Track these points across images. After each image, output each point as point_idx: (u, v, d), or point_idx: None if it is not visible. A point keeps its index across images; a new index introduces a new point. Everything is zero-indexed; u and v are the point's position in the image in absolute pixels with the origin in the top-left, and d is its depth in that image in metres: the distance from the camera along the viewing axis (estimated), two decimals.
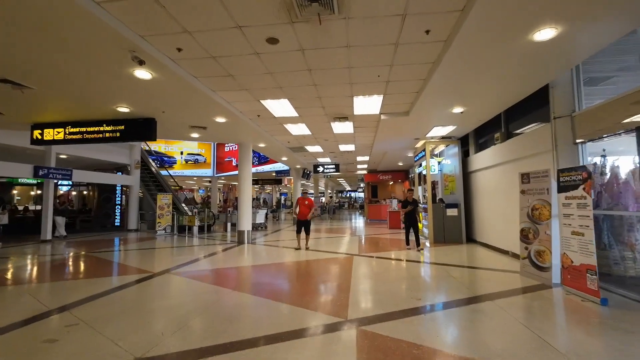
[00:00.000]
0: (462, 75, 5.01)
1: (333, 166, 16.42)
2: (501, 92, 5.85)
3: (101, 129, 7.47)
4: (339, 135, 9.98)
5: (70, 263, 7.46)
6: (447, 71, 4.82)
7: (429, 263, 6.89)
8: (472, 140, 9.68)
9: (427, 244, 9.70)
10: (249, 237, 10.42)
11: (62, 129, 7.58)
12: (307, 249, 8.88)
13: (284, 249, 9.23)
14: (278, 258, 7.78)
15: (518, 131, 7.01)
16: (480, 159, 8.92)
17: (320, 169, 16.53)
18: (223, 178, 25.01)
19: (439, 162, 11.66)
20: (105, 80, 5.19)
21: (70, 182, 19.10)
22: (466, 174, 9.94)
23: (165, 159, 23.36)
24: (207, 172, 24.46)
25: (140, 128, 7.37)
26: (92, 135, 7.51)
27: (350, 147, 12.35)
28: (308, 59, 4.76)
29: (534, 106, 6.24)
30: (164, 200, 13.64)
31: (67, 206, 17.24)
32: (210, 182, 28.79)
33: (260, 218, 15.39)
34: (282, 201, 42.19)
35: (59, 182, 19.64)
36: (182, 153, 23.81)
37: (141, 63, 4.46)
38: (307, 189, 8.67)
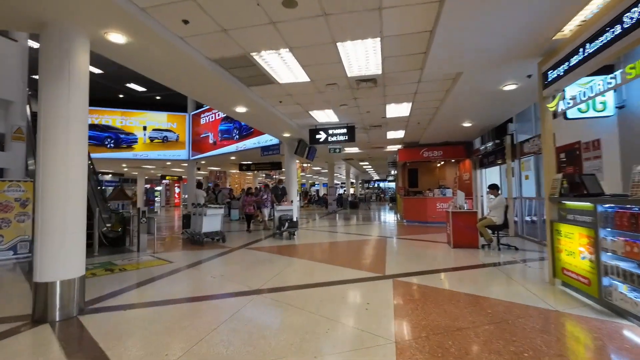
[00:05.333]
0: None
1: (343, 130, 9.22)
2: None
3: None
4: None
5: None
6: None
7: None
8: None
9: None
10: (69, 296, 3.56)
11: None
12: None
13: None
14: None
15: None
16: None
17: (322, 135, 9.39)
18: (204, 160, 18.55)
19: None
20: None
21: None
22: None
23: (122, 136, 17.22)
24: (181, 153, 18.10)
25: None
26: None
27: (373, 65, 5.10)
28: None
29: None
30: (10, 192, 7.16)
31: None
32: (199, 169, 22.53)
33: (212, 224, 8.58)
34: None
35: None
36: (145, 128, 17.54)
37: None
38: None
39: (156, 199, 30.56)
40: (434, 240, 8.40)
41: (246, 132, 14.07)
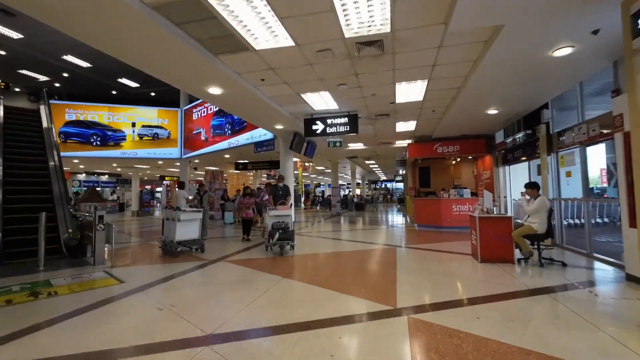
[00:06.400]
0: None
1: (344, 120, 7.80)
2: None
3: None
4: None
5: None
6: None
7: None
8: None
9: None
10: None
11: None
12: None
13: None
14: None
15: None
16: None
17: (319, 126, 7.98)
18: (197, 159, 17.28)
19: None
20: None
21: None
22: None
23: (110, 133, 16.03)
24: (173, 151, 16.87)
25: None
26: None
27: (379, 16, 3.70)
28: None
29: None
30: None
31: None
32: (196, 169, 21.23)
33: (187, 231, 7.22)
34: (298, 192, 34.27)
35: None
36: (134, 125, 16.34)
37: None
38: None
39: (158, 200, 29.51)
40: (453, 250, 6.90)
41: (239, 127, 12.74)
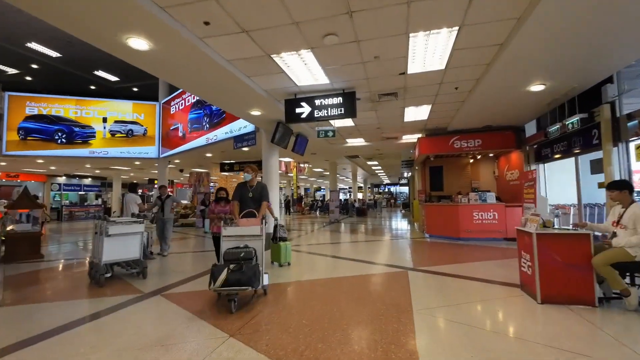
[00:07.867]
0: None
1: (337, 100, 5.87)
2: None
3: None
4: None
5: None
6: None
7: None
8: None
9: None
10: None
11: None
12: None
13: None
14: None
15: None
16: None
17: (305, 109, 6.04)
18: (177, 159, 15.35)
19: None
20: None
21: None
22: None
23: (77, 129, 14.15)
24: (150, 150, 14.96)
25: None
26: None
27: None
28: None
29: None
30: None
31: None
32: (182, 171, 19.31)
33: (121, 249, 5.25)
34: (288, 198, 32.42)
35: None
36: (105, 120, 14.45)
37: None
38: None
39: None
40: (488, 277, 4.88)
41: (217, 119, 10.82)
